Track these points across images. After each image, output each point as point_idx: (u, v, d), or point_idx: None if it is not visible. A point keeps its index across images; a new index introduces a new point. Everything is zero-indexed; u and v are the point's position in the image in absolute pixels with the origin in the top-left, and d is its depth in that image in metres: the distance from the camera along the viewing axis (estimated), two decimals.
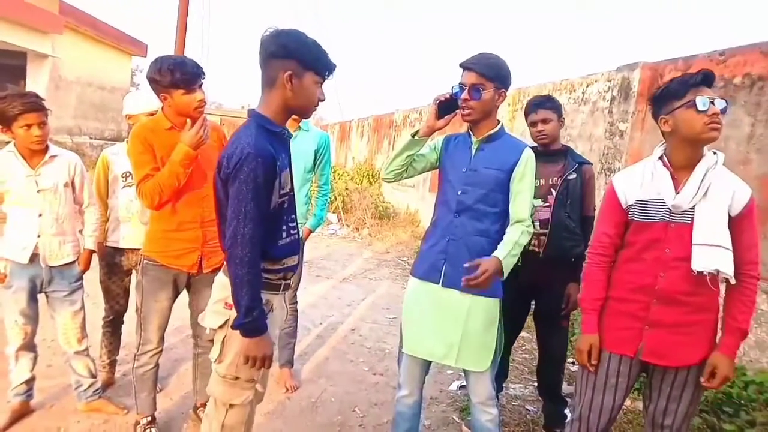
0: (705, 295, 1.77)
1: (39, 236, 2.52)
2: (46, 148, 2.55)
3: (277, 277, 1.84)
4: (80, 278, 2.70)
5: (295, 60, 1.70)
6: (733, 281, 1.72)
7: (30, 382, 2.69)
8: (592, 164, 2.77)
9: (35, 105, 2.42)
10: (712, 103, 1.71)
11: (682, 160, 1.79)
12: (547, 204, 2.61)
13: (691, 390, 1.85)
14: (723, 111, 1.72)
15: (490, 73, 2.02)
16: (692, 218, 1.75)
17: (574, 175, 2.61)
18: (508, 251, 1.96)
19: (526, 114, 2.72)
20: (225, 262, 1.80)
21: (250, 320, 1.67)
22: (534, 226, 2.59)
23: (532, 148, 2.72)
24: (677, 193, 1.77)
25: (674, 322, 1.80)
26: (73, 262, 2.65)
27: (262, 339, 1.72)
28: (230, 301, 1.76)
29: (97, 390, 2.80)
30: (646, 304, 1.83)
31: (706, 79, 1.74)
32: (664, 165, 1.82)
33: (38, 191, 2.51)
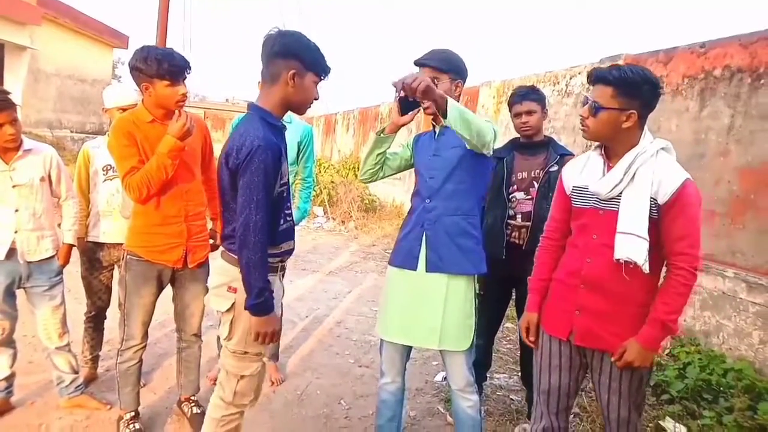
0: (629, 284, 1.73)
1: (16, 232, 2.47)
2: (20, 142, 2.49)
3: (276, 260, 1.96)
4: (60, 273, 2.66)
5: (298, 60, 1.84)
6: (645, 270, 1.69)
7: (10, 378, 2.66)
8: (574, 155, 2.78)
9: (5, 103, 2.34)
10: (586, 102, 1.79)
11: (610, 148, 1.83)
12: (530, 197, 2.63)
13: (628, 379, 1.79)
14: (593, 113, 1.75)
15: (444, 65, 2.10)
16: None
17: (556, 167, 2.62)
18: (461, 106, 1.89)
19: (510, 105, 2.71)
20: (224, 248, 1.93)
21: (262, 300, 1.80)
22: (516, 219, 2.64)
23: (515, 139, 2.75)
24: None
25: (599, 309, 1.80)
26: (52, 257, 2.61)
27: (270, 316, 1.86)
28: (233, 285, 1.89)
29: (79, 386, 2.77)
30: (576, 289, 1.85)
31: (590, 78, 1.81)
32: (600, 154, 1.86)
33: (13, 186, 2.46)
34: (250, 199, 1.76)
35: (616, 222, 1.73)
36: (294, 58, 1.84)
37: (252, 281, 1.78)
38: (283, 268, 2.06)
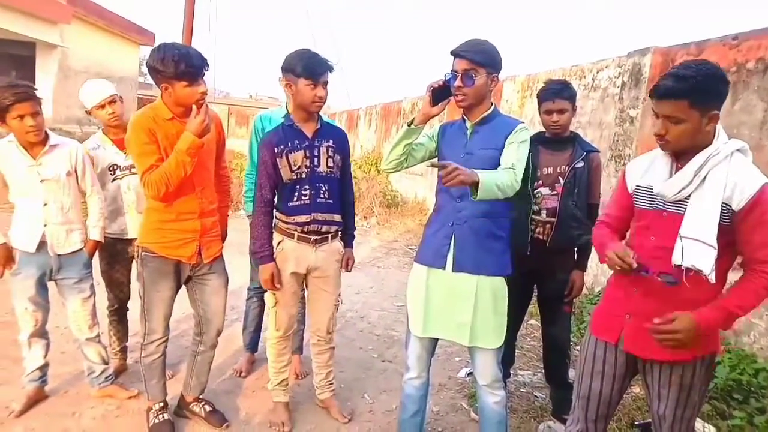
0: (687, 290, 1.62)
1: (45, 225, 2.53)
2: (46, 137, 2.54)
3: (287, 226, 2.51)
4: (89, 266, 2.73)
5: (290, 72, 2.36)
6: (712, 281, 1.58)
7: (43, 368, 2.74)
8: (599, 152, 2.74)
9: (27, 95, 2.38)
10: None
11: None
12: (555, 192, 2.59)
13: (677, 389, 1.72)
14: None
15: (482, 59, 2.03)
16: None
17: (581, 164, 2.58)
18: (490, 176, 1.87)
19: (541, 100, 2.63)
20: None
21: (255, 250, 2.51)
22: (541, 215, 2.61)
23: (541, 133, 2.71)
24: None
25: (651, 314, 1.68)
26: (81, 250, 2.67)
27: (263, 266, 2.49)
28: None
29: (109, 376, 2.84)
30: (629, 292, 1.78)
31: (656, 95, 1.64)
32: (668, 153, 1.74)
33: (41, 181, 2.51)
34: (256, 180, 2.51)
35: (679, 226, 1.63)
36: (288, 72, 2.37)
37: (251, 234, 2.55)
38: (304, 239, 2.51)
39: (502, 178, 1.91)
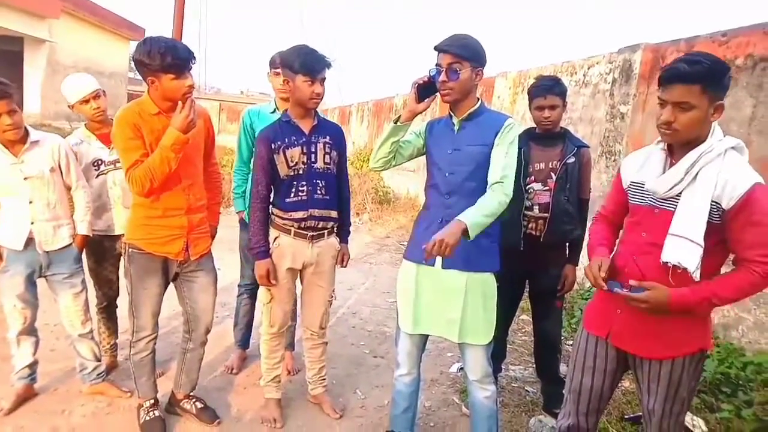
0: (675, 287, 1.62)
1: (32, 223, 2.51)
2: (26, 134, 2.50)
3: (284, 222, 2.51)
4: (79, 261, 2.70)
5: (288, 68, 2.35)
6: (696, 278, 1.57)
7: (33, 365, 2.72)
8: (589, 147, 2.75)
9: (1, 93, 2.33)
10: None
11: (675, 144, 1.69)
12: (547, 188, 2.60)
13: (666, 385, 1.73)
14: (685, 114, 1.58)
15: (465, 53, 2.03)
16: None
17: (572, 159, 2.60)
18: (475, 213, 1.90)
19: (533, 96, 2.64)
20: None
21: (251, 246, 2.50)
22: (533, 210, 2.62)
23: (532, 129, 2.72)
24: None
25: (643, 310, 1.67)
26: (70, 245, 2.64)
27: (258, 263, 2.48)
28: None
29: (100, 373, 2.83)
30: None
31: (666, 79, 1.62)
32: (663, 149, 1.73)
33: (25, 179, 2.48)
34: (254, 175, 2.50)
35: (669, 222, 1.62)
36: (286, 68, 2.36)
37: (250, 230, 2.51)
38: (300, 235, 2.51)
39: (488, 205, 1.94)
